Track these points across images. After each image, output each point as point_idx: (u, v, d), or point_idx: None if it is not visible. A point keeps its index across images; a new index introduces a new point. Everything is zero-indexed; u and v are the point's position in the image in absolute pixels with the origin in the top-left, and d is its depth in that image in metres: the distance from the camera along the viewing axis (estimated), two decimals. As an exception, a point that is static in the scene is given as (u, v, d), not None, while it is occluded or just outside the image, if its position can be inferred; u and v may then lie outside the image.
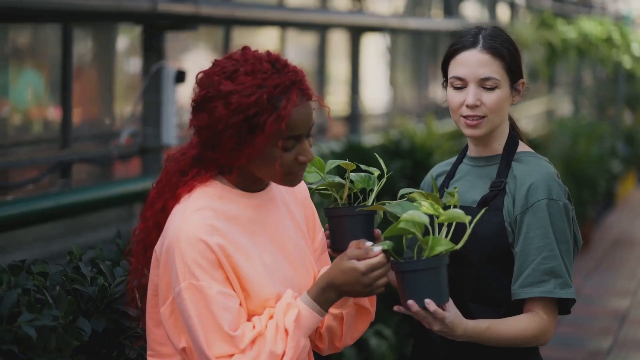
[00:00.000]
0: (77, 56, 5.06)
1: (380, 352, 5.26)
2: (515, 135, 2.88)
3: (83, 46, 5.28)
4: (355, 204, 2.73)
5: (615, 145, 13.99)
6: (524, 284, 2.73)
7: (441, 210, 2.53)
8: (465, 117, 2.80)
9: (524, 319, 2.73)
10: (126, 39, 5.69)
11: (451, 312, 2.57)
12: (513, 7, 12.84)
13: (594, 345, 7.38)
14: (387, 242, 2.49)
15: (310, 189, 2.73)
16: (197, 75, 2.49)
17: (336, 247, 2.69)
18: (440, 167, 3.03)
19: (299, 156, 2.46)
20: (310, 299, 2.46)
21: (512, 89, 2.81)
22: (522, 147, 2.88)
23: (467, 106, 2.78)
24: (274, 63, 2.43)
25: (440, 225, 2.55)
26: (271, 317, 2.43)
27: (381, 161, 2.79)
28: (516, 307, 2.76)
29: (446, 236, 2.53)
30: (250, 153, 2.41)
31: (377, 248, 2.45)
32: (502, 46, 2.78)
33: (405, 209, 2.51)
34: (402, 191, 2.66)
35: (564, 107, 15.29)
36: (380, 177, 2.75)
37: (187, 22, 5.22)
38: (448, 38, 10.41)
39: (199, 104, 2.45)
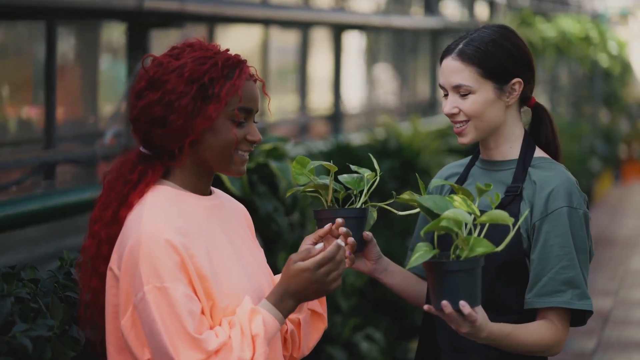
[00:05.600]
0: (61, 54, 4.97)
1: (371, 356, 5.19)
2: (531, 140, 2.80)
3: (67, 44, 5.19)
4: (347, 206, 2.63)
5: (594, 143, 14.01)
6: (540, 293, 2.65)
7: (474, 207, 2.44)
8: (453, 124, 2.75)
9: (543, 328, 2.65)
10: (111, 37, 5.60)
11: (480, 315, 2.48)
12: (492, 5, 12.82)
13: (579, 346, 7.34)
14: (426, 245, 2.40)
15: (299, 190, 2.67)
16: (138, 73, 2.46)
17: None
18: (451, 168, 2.93)
19: (248, 135, 2.45)
20: (271, 306, 2.41)
21: (499, 91, 2.71)
22: (539, 152, 2.80)
23: (446, 115, 2.75)
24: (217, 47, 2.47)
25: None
26: (231, 325, 2.36)
27: (375, 162, 2.69)
28: (528, 314, 2.69)
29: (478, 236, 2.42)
30: (202, 123, 2.38)
31: (319, 245, 2.43)
32: (478, 50, 2.69)
33: (437, 203, 2.41)
34: (433, 182, 2.56)
35: (541, 105, 15.28)
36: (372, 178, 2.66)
37: (173, 20, 5.15)
38: (429, 36, 10.38)
39: (143, 90, 2.41)
